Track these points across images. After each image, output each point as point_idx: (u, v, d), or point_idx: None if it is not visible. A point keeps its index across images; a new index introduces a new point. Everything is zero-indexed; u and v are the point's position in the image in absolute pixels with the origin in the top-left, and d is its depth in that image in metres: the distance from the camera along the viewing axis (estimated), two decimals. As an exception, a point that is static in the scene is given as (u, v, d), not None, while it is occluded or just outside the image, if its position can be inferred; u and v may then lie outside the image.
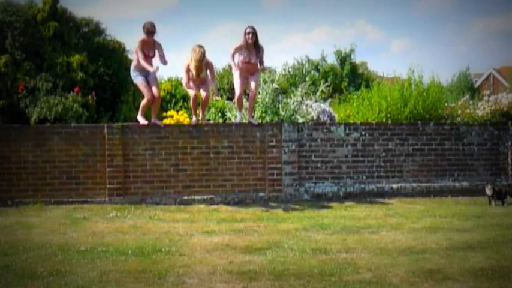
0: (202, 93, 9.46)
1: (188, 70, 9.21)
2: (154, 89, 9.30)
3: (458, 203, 9.35)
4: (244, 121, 10.16)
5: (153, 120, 9.47)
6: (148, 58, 9.14)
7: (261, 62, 9.46)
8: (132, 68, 9.36)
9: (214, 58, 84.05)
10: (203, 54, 9.08)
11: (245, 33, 9.25)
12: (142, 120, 9.41)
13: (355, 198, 9.60)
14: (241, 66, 9.40)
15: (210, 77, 9.54)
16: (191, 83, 9.32)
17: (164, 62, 9.25)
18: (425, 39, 75.13)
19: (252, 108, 10.09)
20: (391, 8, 72.63)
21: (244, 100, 10.76)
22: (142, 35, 9.11)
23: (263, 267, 5.06)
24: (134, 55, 9.32)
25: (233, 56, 9.34)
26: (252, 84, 9.66)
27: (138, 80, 9.27)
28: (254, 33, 9.25)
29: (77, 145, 9.13)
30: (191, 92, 9.50)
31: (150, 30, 9.05)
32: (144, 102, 9.36)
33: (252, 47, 9.29)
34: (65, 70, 12.91)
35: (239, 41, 9.36)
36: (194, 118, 9.67)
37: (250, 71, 9.50)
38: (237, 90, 9.67)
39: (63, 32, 13.48)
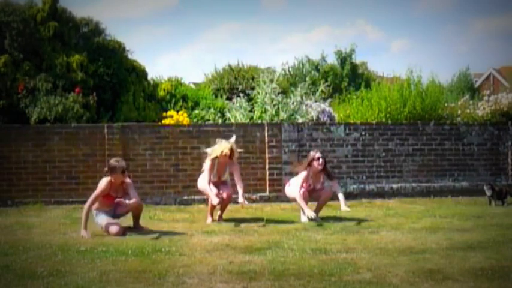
0: (224, 194, 7.60)
1: (211, 167, 7.56)
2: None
3: (458, 203, 9.35)
4: (244, 121, 10.13)
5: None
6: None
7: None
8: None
9: (214, 58, 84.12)
10: (232, 151, 7.53)
11: (314, 159, 7.62)
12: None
13: (355, 198, 9.60)
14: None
15: (236, 178, 7.68)
16: (211, 185, 7.53)
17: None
18: (425, 39, 75.12)
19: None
20: (391, 8, 72.64)
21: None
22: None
23: (263, 267, 5.06)
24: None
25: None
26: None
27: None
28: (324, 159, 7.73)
29: (77, 145, 9.14)
30: (213, 199, 7.39)
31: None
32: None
33: (319, 172, 7.72)
34: (65, 70, 12.90)
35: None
36: (210, 219, 7.66)
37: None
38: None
39: (63, 32, 13.47)
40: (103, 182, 6.66)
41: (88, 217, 6.60)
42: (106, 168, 6.78)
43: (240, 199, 7.41)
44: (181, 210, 8.60)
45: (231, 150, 7.51)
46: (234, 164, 7.66)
